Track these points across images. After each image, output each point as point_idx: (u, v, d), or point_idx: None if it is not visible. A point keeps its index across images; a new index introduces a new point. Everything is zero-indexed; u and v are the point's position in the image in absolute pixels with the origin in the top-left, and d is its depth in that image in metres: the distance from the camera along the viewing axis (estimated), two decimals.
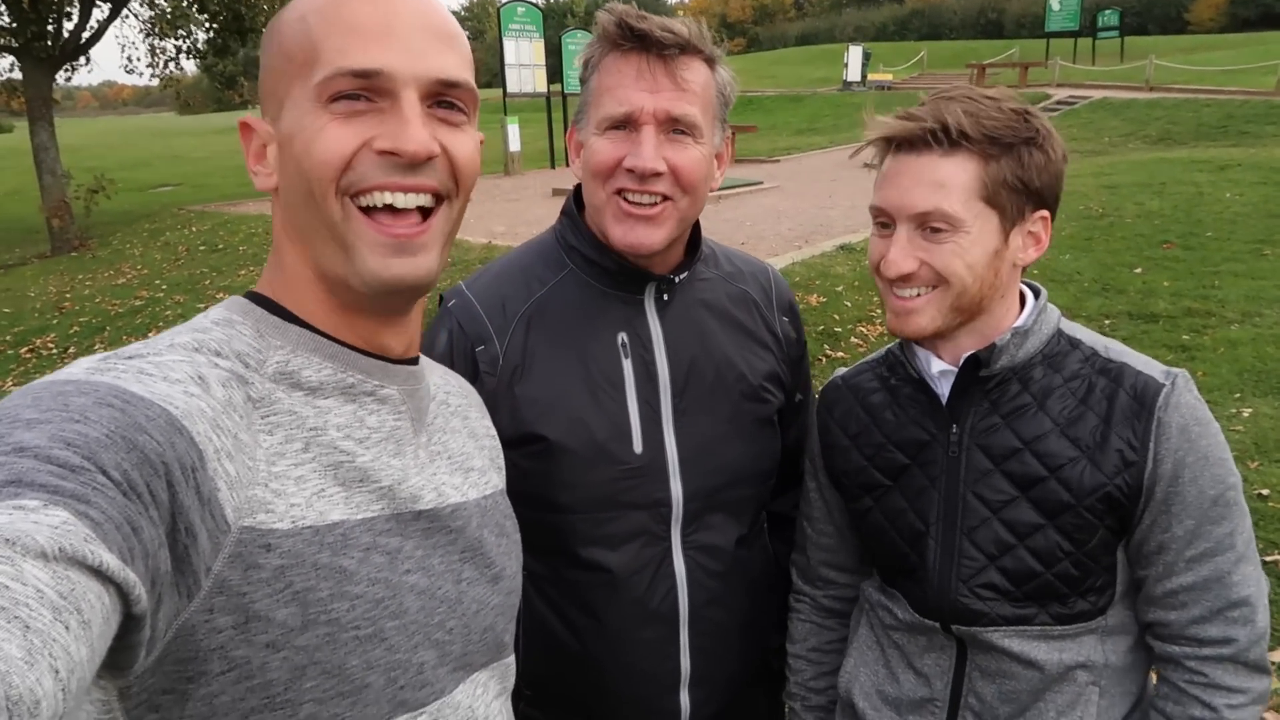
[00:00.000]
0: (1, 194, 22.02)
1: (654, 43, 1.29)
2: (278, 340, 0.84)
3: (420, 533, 0.89)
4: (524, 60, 16.59)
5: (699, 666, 1.45)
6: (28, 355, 8.30)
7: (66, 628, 0.48)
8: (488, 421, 1.14)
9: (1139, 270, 7.45)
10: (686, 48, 1.31)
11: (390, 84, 0.80)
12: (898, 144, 1.25)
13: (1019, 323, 1.31)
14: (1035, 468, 1.27)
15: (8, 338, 8.85)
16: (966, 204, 1.21)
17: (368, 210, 0.82)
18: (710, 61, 1.35)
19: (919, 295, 1.26)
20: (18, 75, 15.01)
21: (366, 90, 0.80)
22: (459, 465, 0.99)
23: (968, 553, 1.31)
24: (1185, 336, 6.07)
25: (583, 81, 1.40)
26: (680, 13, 1.43)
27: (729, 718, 1.54)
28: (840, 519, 1.52)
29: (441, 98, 0.84)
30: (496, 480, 1.07)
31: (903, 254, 1.24)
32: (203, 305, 8.28)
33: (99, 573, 0.52)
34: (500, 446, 1.15)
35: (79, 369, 0.69)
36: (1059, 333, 1.33)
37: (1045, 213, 1.28)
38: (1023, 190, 1.23)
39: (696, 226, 1.47)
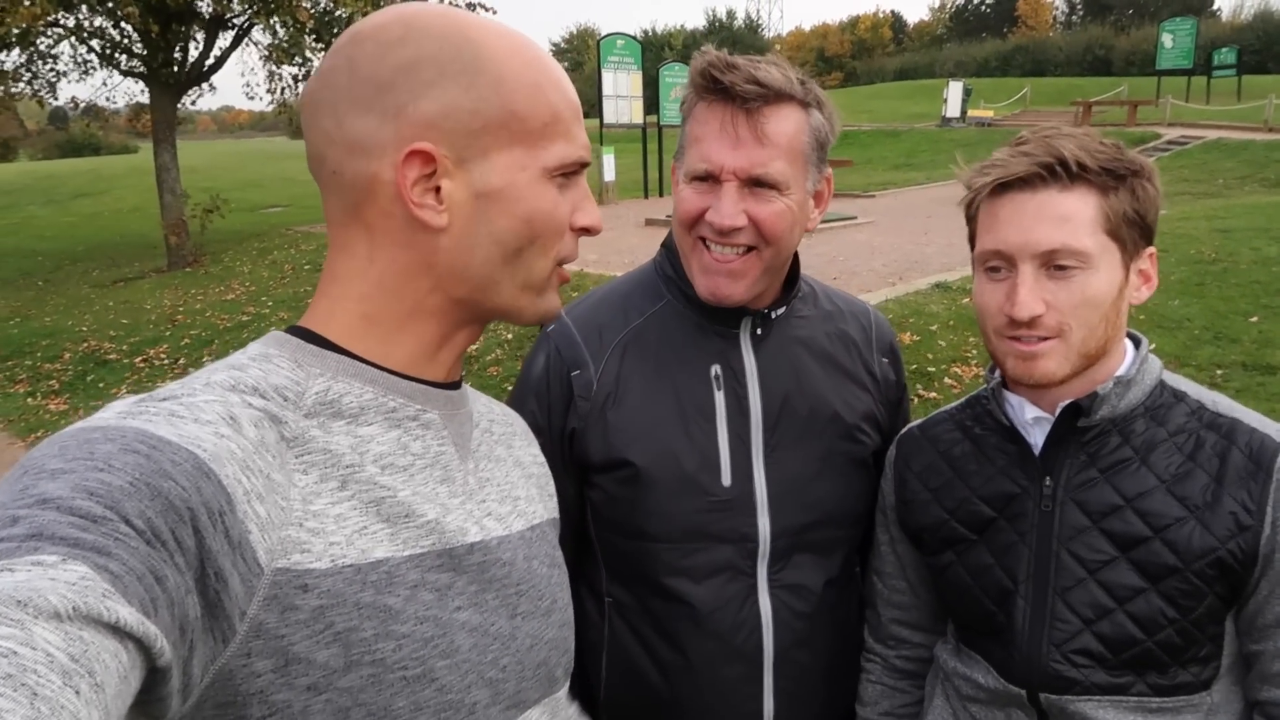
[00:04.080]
0: (125, 211, 23.29)
1: (737, 95, 1.26)
2: (317, 368, 0.84)
3: (475, 567, 0.88)
4: (621, 92, 16.85)
5: (782, 710, 1.41)
6: (141, 364, 8.71)
7: (77, 692, 0.48)
8: (535, 450, 1.12)
9: (1255, 319, 7.08)
10: (771, 98, 1.27)
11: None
12: (1008, 184, 1.20)
13: (1121, 371, 1.24)
14: (1138, 527, 1.19)
15: (124, 347, 9.32)
16: (1093, 237, 1.17)
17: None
18: (804, 105, 1.31)
19: (1045, 340, 1.19)
20: (145, 100, 15.86)
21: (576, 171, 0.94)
22: (506, 494, 0.98)
23: (1061, 615, 1.23)
24: None
25: (683, 121, 1.40)
26: (777, 47, 1.40)
27: None
28: (914, 575, 1.46)
29: None
30: (544, 511, 1.06)
31: (1033, 294, 1.17)
32: None
33: (116, 629, 0.52)
34: (550, 475, 1.13)
35: (112, 413, 0.69)
36: (1161, 384, 1.26)
37: (1153, 249, 1.23)
38: (1138, 224, 1.19)
39: (795, 262, 1.45)
